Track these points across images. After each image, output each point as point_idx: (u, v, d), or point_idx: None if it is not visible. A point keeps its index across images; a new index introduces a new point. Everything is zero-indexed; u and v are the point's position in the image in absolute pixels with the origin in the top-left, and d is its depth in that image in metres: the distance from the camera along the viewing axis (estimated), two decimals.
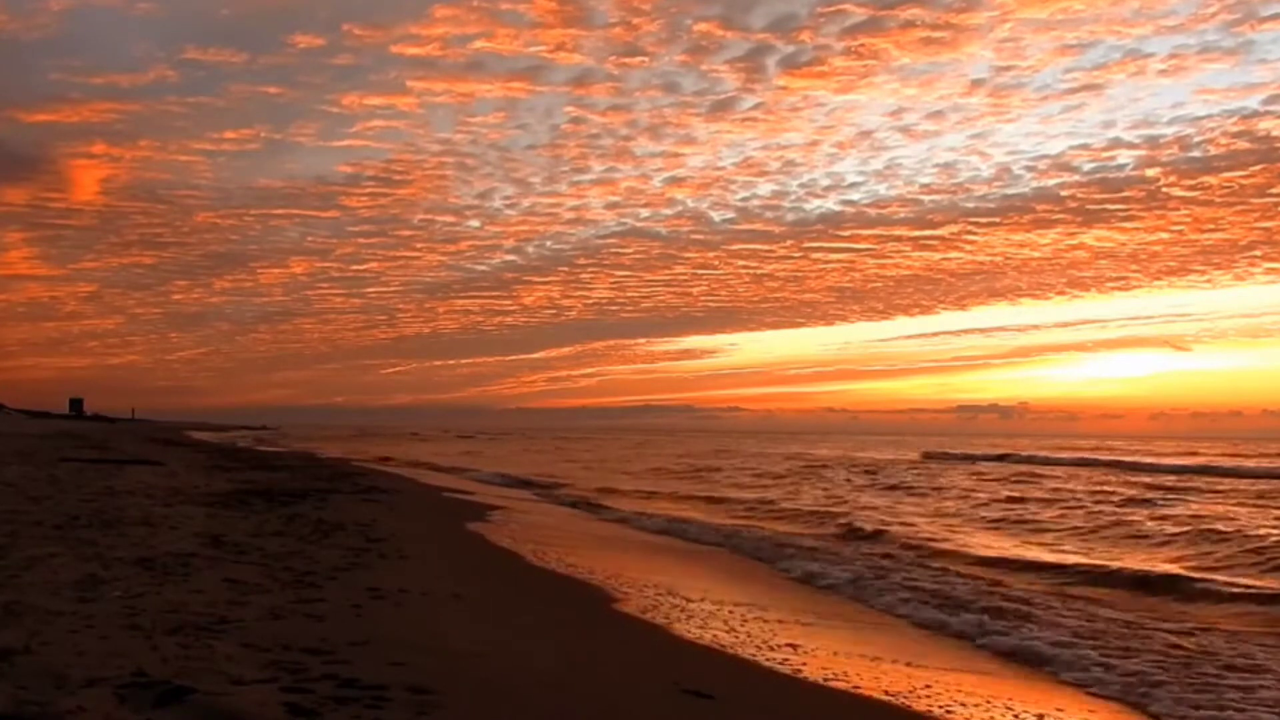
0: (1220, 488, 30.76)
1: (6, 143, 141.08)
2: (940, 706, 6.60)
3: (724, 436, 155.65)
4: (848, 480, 35.15)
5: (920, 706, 6.61)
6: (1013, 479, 35.31)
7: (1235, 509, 22.91)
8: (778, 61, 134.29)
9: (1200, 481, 33.97)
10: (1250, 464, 44.35)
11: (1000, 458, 54.30)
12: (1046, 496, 26.94)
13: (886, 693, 6.84)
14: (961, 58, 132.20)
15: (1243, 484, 32.70)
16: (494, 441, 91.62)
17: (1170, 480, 34.65)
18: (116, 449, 34.93)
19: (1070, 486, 30.83)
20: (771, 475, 37.66)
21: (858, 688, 6.95)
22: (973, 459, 53.99)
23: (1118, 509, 23.05)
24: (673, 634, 8.35)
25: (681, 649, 7.79)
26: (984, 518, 21.97)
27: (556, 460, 52.24)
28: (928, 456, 57.44)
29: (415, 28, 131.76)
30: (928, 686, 7.13)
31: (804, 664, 7.49)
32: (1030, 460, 51.60)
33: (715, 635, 8.34)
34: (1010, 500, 26.02)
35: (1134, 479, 35.15)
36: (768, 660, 7.55)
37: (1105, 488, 30.18)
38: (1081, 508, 23.46)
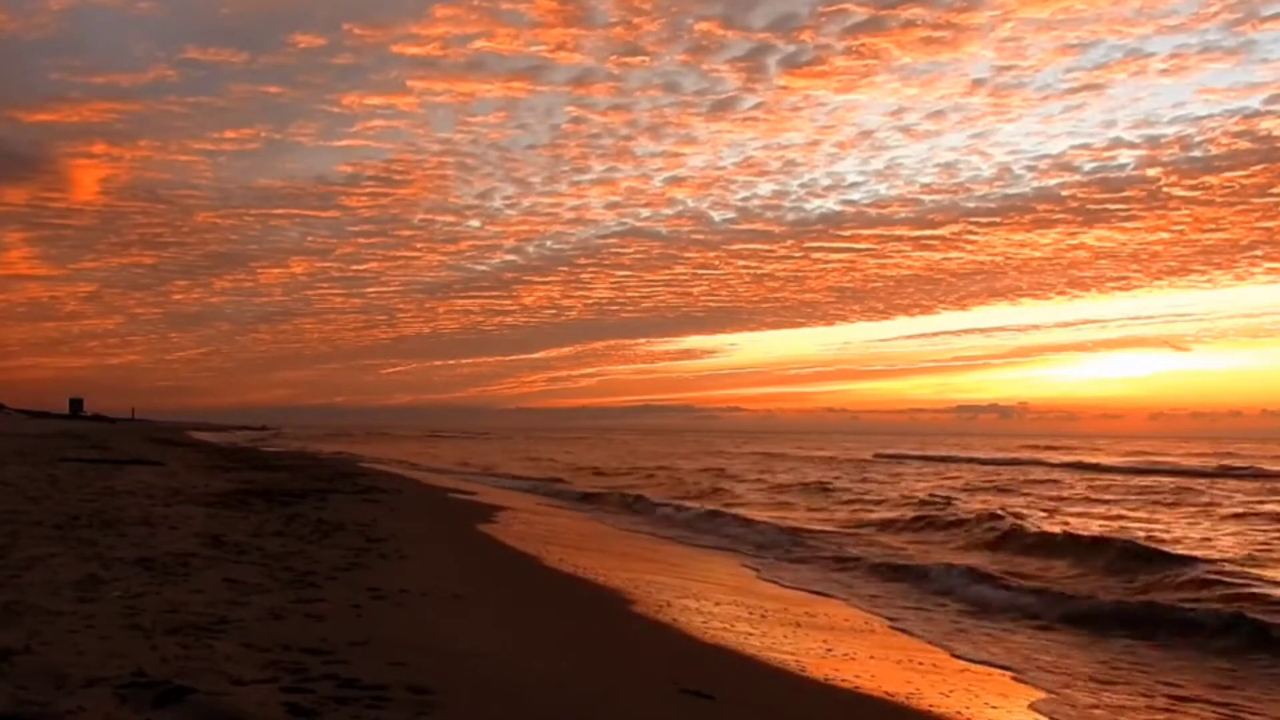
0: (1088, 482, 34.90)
1: (6, 143, 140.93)
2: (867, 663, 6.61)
3: (720, 436, 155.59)
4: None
5: (921, 705, 6.62)
6: (886, 469, 43.49)
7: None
8: (778, 61, 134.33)
9: (1073, 476, 37.65)
10: (1191, 463, 46.89)
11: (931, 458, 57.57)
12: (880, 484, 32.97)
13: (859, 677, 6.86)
14: (962, 57, 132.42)
15: (1107, 478, 36.58)
16: (460, 441, 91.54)
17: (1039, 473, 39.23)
18: (116, 449, 34.93)
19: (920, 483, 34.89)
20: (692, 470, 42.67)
21: (859, 687, 6.96)
22: (907, 459, 57.06)
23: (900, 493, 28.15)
24: (672, 633, 8.36)
25: (681, 647, 7.80)
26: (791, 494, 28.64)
27: (511, 458, 54.03)
28: (878, 456, 60.78)
29: (415, 27, 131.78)
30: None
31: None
32: (945, 459, 55.34)
33: (713, 630, 8.35)
34: (845, 485, 31.75)
35: (1000, 474, 39.34)
36: (737, 640, 7.56)
37: (952, 483, 34.29)
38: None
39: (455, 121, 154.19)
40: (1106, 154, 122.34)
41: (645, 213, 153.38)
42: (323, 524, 13.00)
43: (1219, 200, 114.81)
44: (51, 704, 4.38)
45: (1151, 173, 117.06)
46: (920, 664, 8.09)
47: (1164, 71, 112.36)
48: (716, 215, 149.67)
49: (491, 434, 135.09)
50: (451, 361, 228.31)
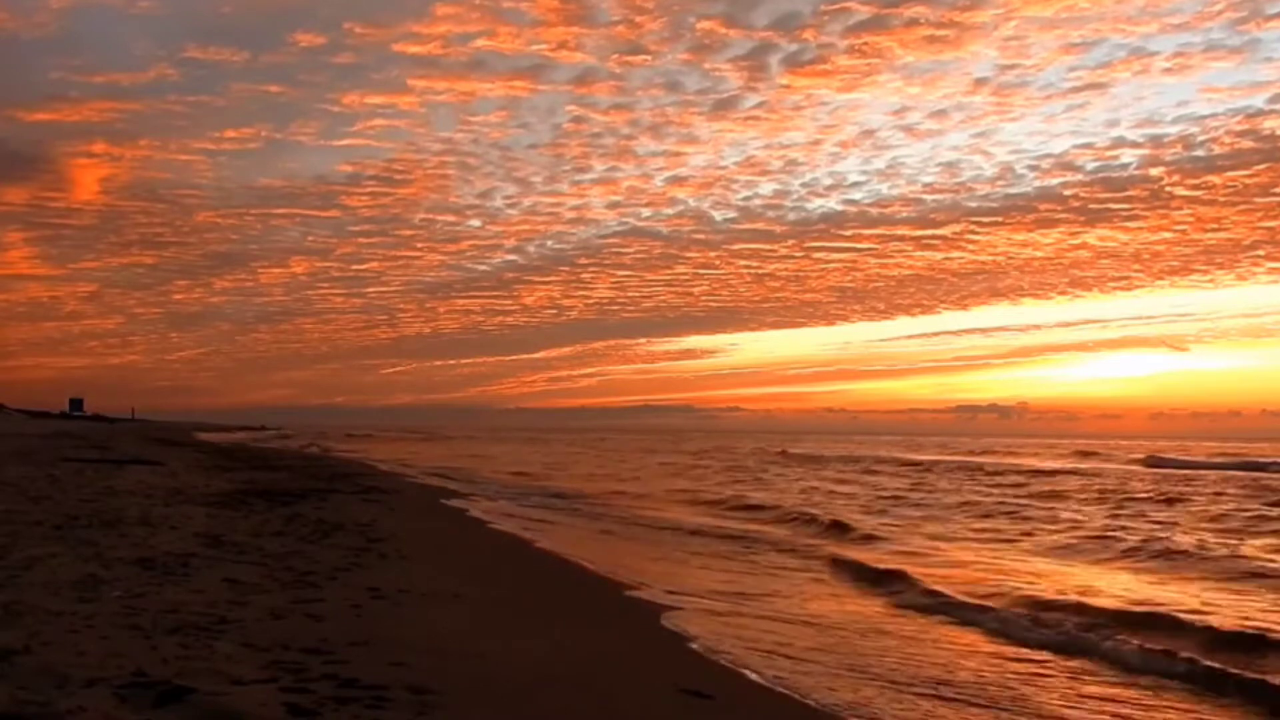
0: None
1: (6, 142, 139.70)
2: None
3: (714, 436, 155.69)
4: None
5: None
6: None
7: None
8: (781, 60, 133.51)
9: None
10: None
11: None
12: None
13: None
14: (965, 56, 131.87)
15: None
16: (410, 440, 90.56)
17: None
18: (117, 449, 34.92)
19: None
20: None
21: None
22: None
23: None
24: (671, 631, 8.36)
25: (681, 644, 7.80)
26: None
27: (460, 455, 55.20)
28: (785, 454, 61.18)
29: (417, 26, 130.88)
30: None
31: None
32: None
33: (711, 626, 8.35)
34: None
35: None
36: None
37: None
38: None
39: (456, 121, 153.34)
40: (1109, 153, 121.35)
41: (646, 212, 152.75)
42: (323, 524, 13.00)
43: (1222, 200, 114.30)
44: (51, 704, 4.38)
45: (1154, 172, 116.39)
46: None
47: (1167, 70, 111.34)
48: (718, 215, 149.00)
49: (438, 434, 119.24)
50: (451, 361, 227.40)
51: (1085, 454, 64.09)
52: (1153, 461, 49.82)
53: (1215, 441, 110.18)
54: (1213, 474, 38.81)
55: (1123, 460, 53.63)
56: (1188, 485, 31.10)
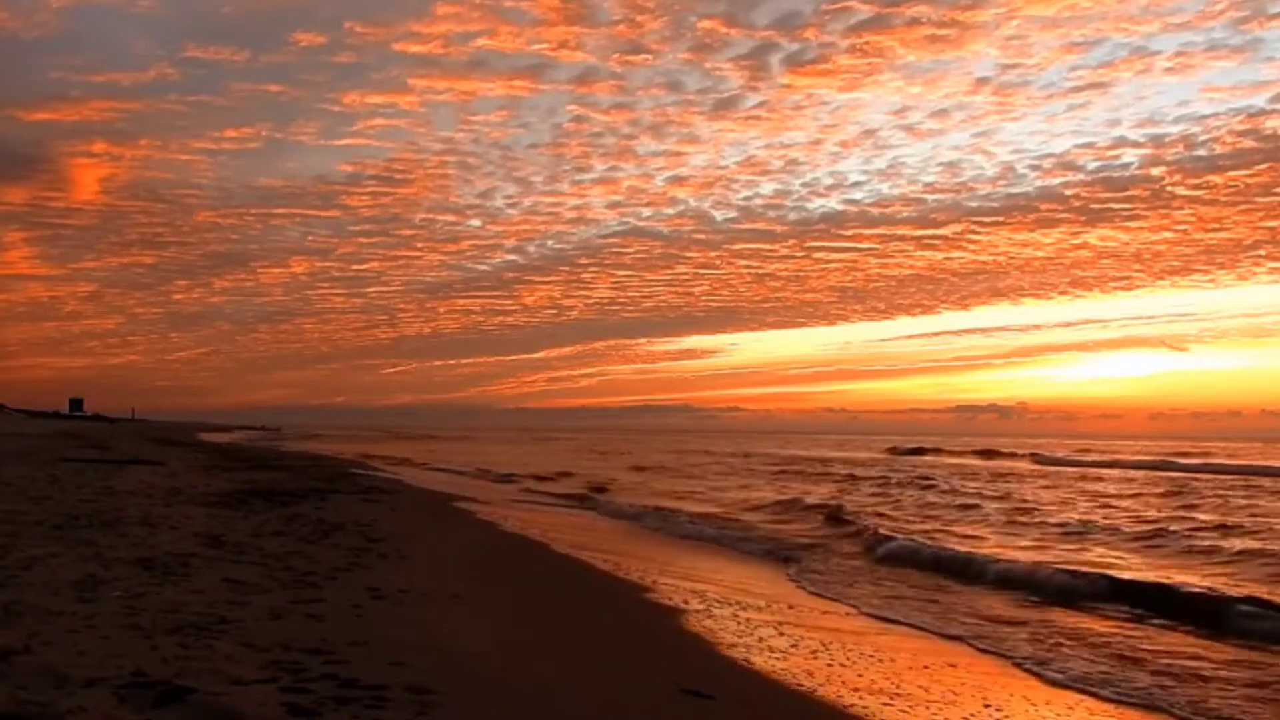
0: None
1: (6, 142, 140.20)
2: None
3: (712, 436, 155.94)
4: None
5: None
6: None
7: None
8: (782, 59, 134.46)
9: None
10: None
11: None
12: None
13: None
14: (966, 55, 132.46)
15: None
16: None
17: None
18: (117, 449, 34.91)
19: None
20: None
21: (857, 687, 6.96)
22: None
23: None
24: (674, 630, 8.36)
25: (684, 645, 7.80)
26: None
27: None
28: (707, 453, 65.73)
29: (417, 25, 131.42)
30: None
31: None
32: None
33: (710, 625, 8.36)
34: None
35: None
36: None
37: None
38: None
39: (457, 120, 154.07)
40: (1110, 153, 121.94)
41: (647, 212, 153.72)
42: (323, 524, 13.00)
43: (1223, 200, 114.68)
44: (51, 704, 4.38)
45: (1155, 172, 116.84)
46: None
47: (1169, 70, 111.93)
48: (718, 214, 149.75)
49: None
50: (451, 361, 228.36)
51: (987, 453, 68.25)
52: (1038, 460, 54.16)
53: (1218, 442, 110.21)
54: (1074, 470, 42.07)
55: (1017, 459, 57.72)
56: (1018, 481, 34.36)
